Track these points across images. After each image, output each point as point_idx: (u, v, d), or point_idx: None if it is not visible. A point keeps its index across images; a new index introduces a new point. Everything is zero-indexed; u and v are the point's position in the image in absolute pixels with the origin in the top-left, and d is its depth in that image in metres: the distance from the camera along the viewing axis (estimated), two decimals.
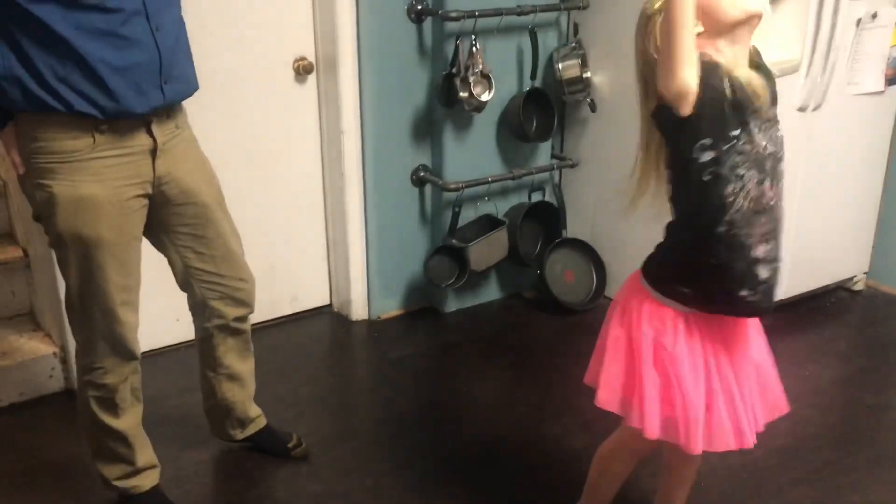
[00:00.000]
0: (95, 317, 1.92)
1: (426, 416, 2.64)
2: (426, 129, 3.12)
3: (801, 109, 2.91)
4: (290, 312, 3.22)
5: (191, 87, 1.96)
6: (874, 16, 2.91)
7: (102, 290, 1.89)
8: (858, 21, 2.90)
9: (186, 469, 2.35)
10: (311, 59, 2.96)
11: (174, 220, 2.00)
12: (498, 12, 2.92)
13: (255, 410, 2.38)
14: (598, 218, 3.36)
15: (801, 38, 2.82)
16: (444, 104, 2.97)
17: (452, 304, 3.31)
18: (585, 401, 2.65)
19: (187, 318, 2.20)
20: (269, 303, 3.11)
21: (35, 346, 2.69)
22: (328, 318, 3.27)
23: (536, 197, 3.35)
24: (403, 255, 3.23)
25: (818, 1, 2.80)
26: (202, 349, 2.23)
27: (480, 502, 2.22)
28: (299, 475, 2.34)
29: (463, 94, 2.90)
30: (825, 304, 3.38)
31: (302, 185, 3.11)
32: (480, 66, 2.91)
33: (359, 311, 3.22)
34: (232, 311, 2.15)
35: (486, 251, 3.17)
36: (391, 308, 3.28)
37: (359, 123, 2.99)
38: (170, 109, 1.91)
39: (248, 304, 2.18)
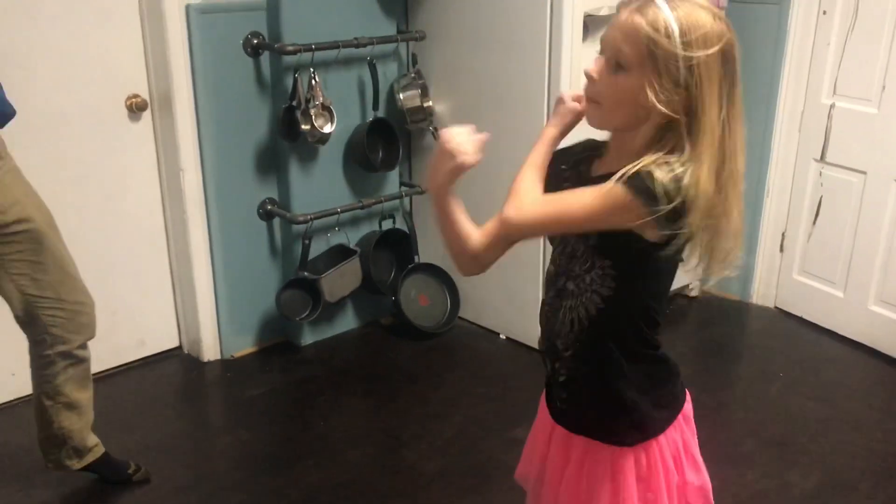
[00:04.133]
0: None
1: (282, 455, 2.60)
2: (270, 162, 3.09)
3: None
4: (136, 358, 3.09)
5: (8, 108, 1.91)
6: None
7: None
8: None
9: None
10: (145, 95, 2.87)
11: (7, 249, 1.97)
12: (335, 45, 2.94)
13: (92, 440, 2.33)
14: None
15: None
16: (286, 138, 2.95)
17: (308, 337, 3.28)
18: (441, 424, 2.71)
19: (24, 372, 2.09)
20: (114, 349, 2.97)
21: None
22: (178, 360, 3.16)
23: (387, 225, 3.37)
24: (254, 291, 3.18)
25: None
26: (40, 377, 2.18)
27: None
28: None
29: (305, 127, 2.89)
30: None
31: (142, 225, 3.00)
32: (321, 99, 2.92)
33: (210, 351, 3.13)
34: (75, 338, 2.13)
35: (340, 281, 3.16)
36: (244, 345, 3.21)
37: (198, 160, 2.93)
38: None
39: (90, 328, 2.16)
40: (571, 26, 2.77)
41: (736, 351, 3.42)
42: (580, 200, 1.22)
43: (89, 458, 2.32)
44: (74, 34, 2.67)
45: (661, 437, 1.37)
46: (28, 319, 2.08)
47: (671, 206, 1.15)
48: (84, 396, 2.24)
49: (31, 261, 2.01)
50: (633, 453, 1.35)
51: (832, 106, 3.20)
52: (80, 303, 2.13)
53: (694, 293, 3.70)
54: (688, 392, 1.47)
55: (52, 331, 2.09)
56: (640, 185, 1.16)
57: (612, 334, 1.33)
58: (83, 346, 2.17)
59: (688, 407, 1.46)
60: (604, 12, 2.86)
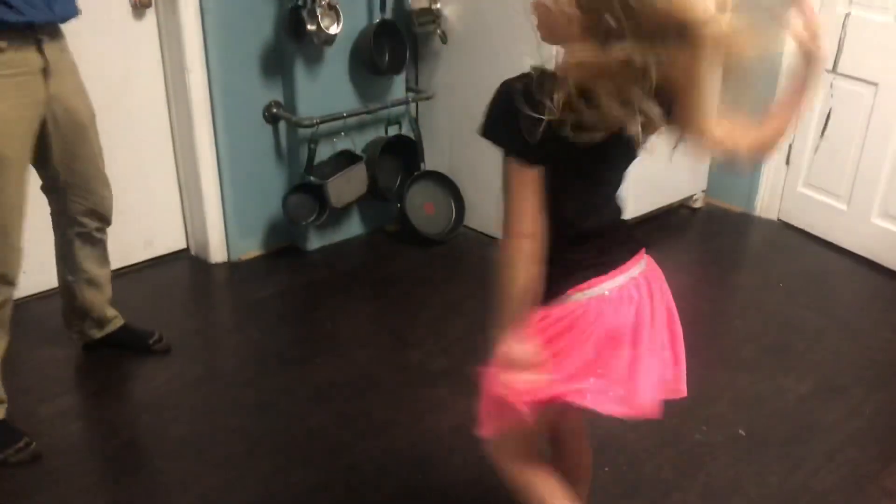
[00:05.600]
0: None
1: (290, 355, 2.66)
2: (276, 64, 3.05)
3: None
4: (144, 258, 3.12)
5: (73, 8, 2.10)
6: None
7: (4, 211, 2.01)
8: None
9: (44, 420, 2.28)
10: None
11: (55, 137, 2.13)
12: None
13: (111, 312, 2.52)
14: (454, 150, 3.41)
15: None
16: (293, 38, 2.90)
17: (314, 242, 3.30)
18: (446, 325, 2.77)
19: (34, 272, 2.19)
20: (121, 249, 2.98)
21: None
22: (186, 262, 3.20)
23: (393, 131, 3.35)
24: (260, 195, 3.19)
25: None
26: (63, 255, 2.38)
27: (344, 434, 2.27)
28: (162, 419, 2.31)
29: (311, 27, 2.85)
30: (668, 221, 3.60)
31: (147, 126, 2.98)
32: None
33: (217, 253, 3.16)
34: (94, 223, 2.32)
35: (346, 187, 3.16)
36: (251, 249, 3.24)
37: (203, 60, 2.89)
38: (55, 31, 2.06)
39: (108, 217, 2.36)
40: None
41: (737, 262, 3.45)
42: None
43: (110, 328, 2.52)
44: None
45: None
46: (52, 195, 2.28)
47: None
48: (102, 273, 2.44)
49: (70, 151, 2.18)
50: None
51: (847, 15, 3.14)
52: (104, 196, 2.32)
53: (697, 204, 3.71)
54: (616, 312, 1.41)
55: (75, 215, 2.28)
56: None
57: None
58: (101, 230, 2.37)
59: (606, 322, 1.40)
60: None
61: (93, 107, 2.24)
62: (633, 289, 1.43)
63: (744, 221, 3.63)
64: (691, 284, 3.09)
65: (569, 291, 1.40)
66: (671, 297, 1.51)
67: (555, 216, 1.34)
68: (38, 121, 2.06)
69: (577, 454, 1.78)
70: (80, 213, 2.29)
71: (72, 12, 2.11)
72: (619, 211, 1.50)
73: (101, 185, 2.31)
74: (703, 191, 3.70)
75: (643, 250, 1.48)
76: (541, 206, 1.32)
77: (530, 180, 1.30)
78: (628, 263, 1.44)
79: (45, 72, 2.03)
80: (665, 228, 3.54)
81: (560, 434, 1.74)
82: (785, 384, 2.53)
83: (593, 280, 1.40)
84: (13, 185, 2.02)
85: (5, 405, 2.19)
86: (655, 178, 3.25)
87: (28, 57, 1.99)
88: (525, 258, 1.33)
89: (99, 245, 2.39)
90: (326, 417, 2.33)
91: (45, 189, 2.27)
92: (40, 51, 2.01)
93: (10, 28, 1.92)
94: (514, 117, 1.24)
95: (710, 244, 3.50)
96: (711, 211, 3.71)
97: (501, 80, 1.29)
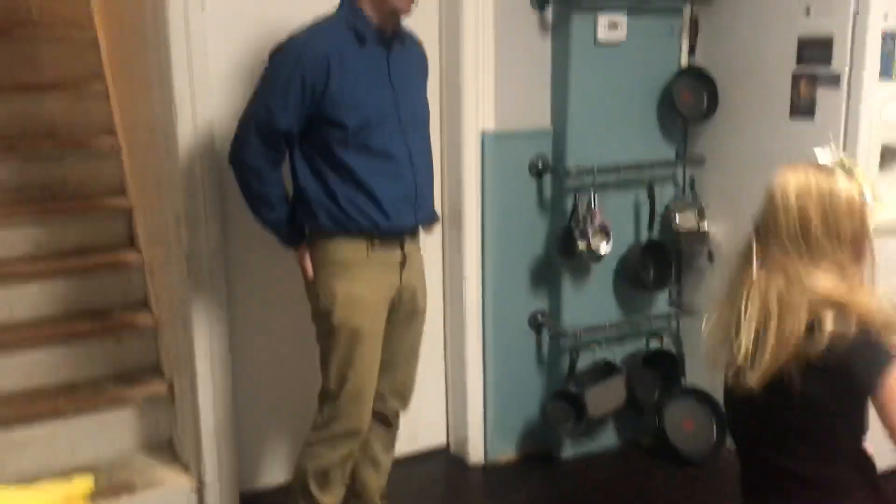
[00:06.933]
0: (345, 399, 2.35)
1: None
2: (544, 276, 3.23)
3: None
4: (407, 451, 3.29)
5: (433, 214, 2.52)
6: None
7: (358, 373, 2.35)
8: None
9: None
10: (439, 210, 3.15)
11: (394, 318, 2.45)
12: (616, 168, 3.06)
13: None
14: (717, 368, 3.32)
15: None
16: (564, 255, 3.08)
17: (568, 450, 3.30)
18: None
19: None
20: None
21: (174, 478, 2.85)
22: (444, 459, 3.32)
23: (654, 344, 3.36)
24: (521, 399, 3.28)
25: None
26: None
27: None
28: None
29: (582, 246, 3.01)
30: None
31: (425, 327, 3.24)
32: (599, 220, 3.03)
33: (475, 453, 3.26)
34: (394, 405, 2.56)
35: (604, 397, 3.18)
36: (507, 450, 3.30)
37: (480, 270, 3.14)
38: (416, 231, 2.46)
39: (408, 398, 2.60)
40: (868, 156, 2.68)
41: None
42: None
43: None
44: None
45: None
46: None
47: None
48: (386, 458, 2.62)
49: (398, 330, 2.49)
50: None
51: None
52: (409, 376, 2.59)
53: None
54: None
55: (382, 391, 2.49)
56: None
57: None
58: (396, 415, 2.58)
59: None
60: None
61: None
62: None
63: None
64: None
65: None
66: None
67: None
68: (389, 302, 2.41)
69: None
70: (387, 391, 2.51)
71: (434, 218, 2.53)
72: None
73: (412, 367, 2.57)
74: None
75: None
76: None
77: None
78: None
79: (402, 264, 2.40)
80: None
81: None
82: None
83: None
84: (368, 355, 2.36)
85: None
86: None
87: (393, 253, 2.38)
88: None
89: (391, 430, 2.59)
90: None
91: None
92: (402, 247, 2.39)
93: (384, 232, 2.33)
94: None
95: None
96: None
97: None
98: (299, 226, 2.38)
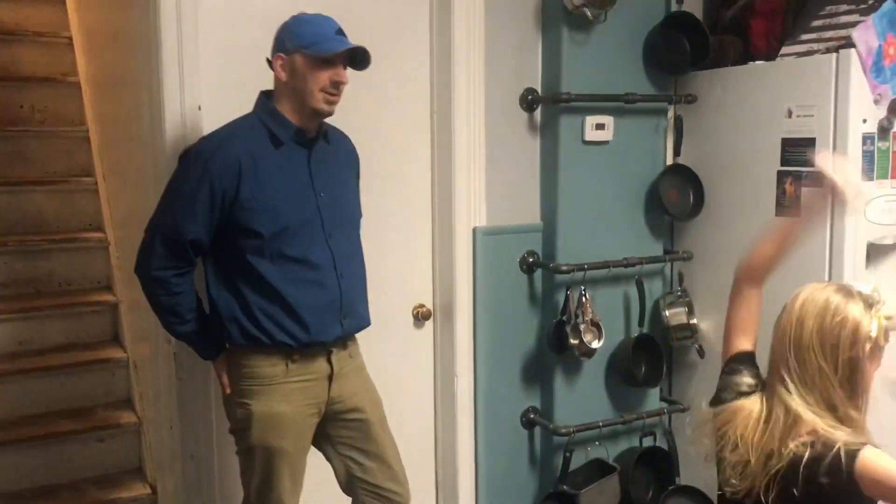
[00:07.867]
0: None
1: None
2: (536, 372, 3.21)
3: None
4: None
5: (364, 322, 2.37)
6: None
7: (277, 494, 2.23)
8: None
9: None
10: (430, 305, 3.15)
11: (340, 433, 2.34)
12: (606, 265, 3.09)
13: None
14: (711, 465, 3.27)
15: None
16: (555, 351, 3.07)
17: None
18: None
19: None
20: None
21: None
22: None
23: (647, 441, 3.32)
24: (512, 497, 3.21)
25: None
26: None
27: None
28: None
29: (573, 342, 3.00)
30: None
31: (414, 423, 3.18)
32: (590, 315, 3.03)
33: None
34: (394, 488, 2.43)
35: (599, 498, 3.11)
36: None
37: (472, 367, 3.11)
38: (346, 340, 2.31)
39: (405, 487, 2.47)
40: (854, 254, 2.72)
41: None
42: None
43: None
44: (380, 251, 3.01)
45: None
46: (349, 491, 2.42)
47: None
48: None
49: (357, 448, 2.36)
50: None
51: None
52: (396, 492, 2.42)
53: None
54: None
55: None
56: None
57: None
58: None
59: None
60: (888, 241, 2.79)
61: (381, 407, 2.42)
62: None
63: None
64: None
65: None
66: None
67: None
68: (315, 419, 2.27)
69: None
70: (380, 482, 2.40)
71: (363, 324, 2.37)
72: None
73: (392, 482, 2.41)
74: None
75: None
76: None
77: None
78: None
79: (330, 377, 2.27)
80: None
81: None
82: None
83: None
84: (289, 474, 2.24)
85: None
86: None
87: (317, 366, 2.24)
88: None
89: None
90: None
91: (343, 487, 2.41)
92: (329, 361, 2.26)
93: (305, 345, 2.19)
94: None
95: None
96: None
97: None
98: (216, 336, 2.24)
